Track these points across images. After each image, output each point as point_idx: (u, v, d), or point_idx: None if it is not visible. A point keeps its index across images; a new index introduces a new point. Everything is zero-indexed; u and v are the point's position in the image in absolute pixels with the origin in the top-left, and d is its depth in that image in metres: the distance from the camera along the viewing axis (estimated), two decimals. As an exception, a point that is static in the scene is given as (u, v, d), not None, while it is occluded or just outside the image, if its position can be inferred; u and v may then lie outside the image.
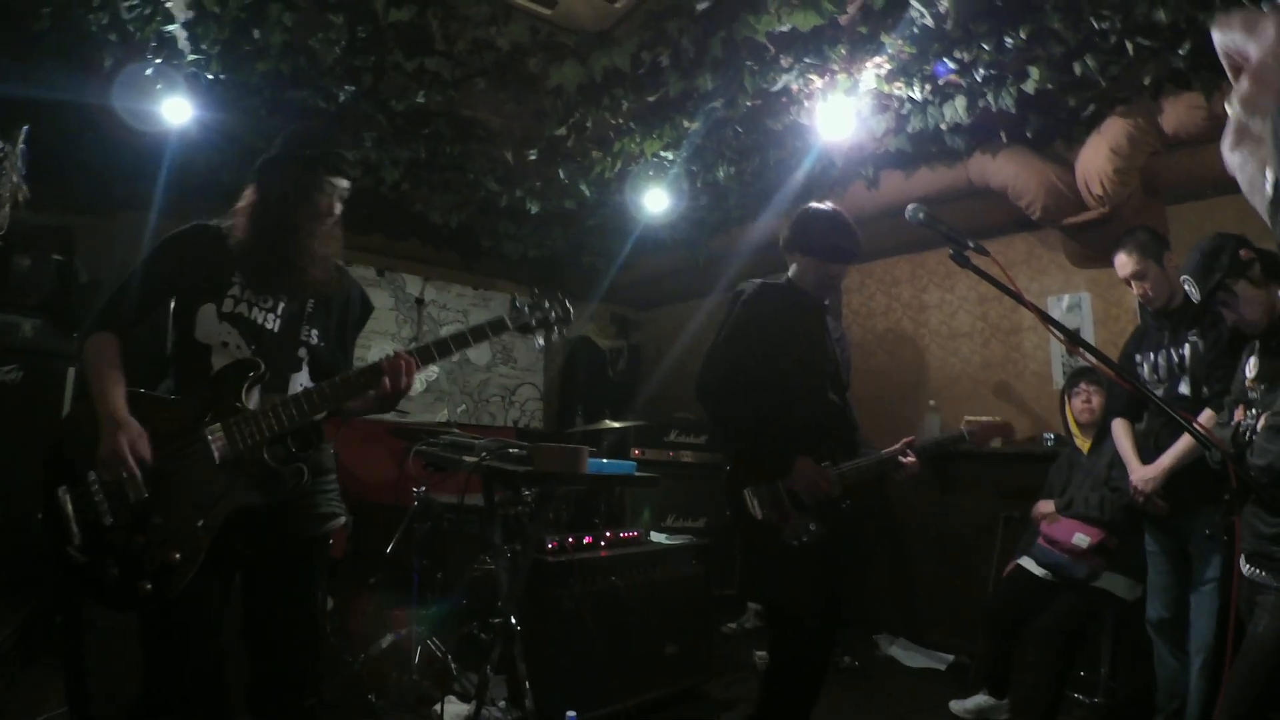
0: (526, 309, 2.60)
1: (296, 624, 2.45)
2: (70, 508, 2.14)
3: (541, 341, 2.65)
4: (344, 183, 2.57)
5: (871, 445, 3.39)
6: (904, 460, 3.27)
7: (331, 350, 2.57)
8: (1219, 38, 0.84)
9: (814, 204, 3.37)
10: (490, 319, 2.53)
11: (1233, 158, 0.80)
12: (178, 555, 2.13)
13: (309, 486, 2.42)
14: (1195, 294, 3.06)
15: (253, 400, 2.30)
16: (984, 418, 3.51)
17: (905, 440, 3.32)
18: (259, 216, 2.43)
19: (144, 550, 2.12)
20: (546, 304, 2.62)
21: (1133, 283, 3.72)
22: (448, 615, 4.65)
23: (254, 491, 2.28)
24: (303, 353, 2.48)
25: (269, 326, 2.42)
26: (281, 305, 2.47)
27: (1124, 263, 3.73)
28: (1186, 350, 3.55)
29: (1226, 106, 0.82)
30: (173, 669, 2.24)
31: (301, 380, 2.47)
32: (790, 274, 3.34)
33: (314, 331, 2.52)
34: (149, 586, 2.11)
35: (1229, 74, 0.85)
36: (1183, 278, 3.14)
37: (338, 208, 2.56)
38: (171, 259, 2.41)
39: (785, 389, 3.10)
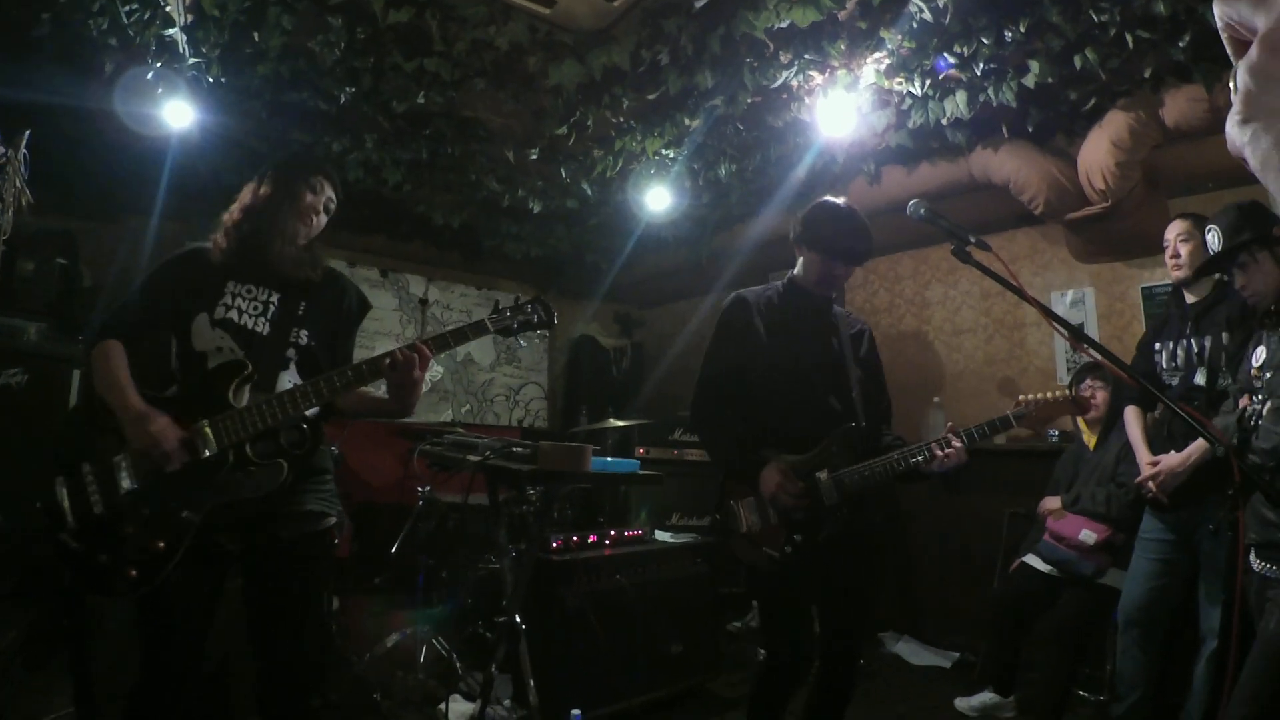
0: (509, 313, 2.67)
1: (291, 624, 2.50)
2: (65, 497, 2.28)
3: (523, 343, 2.73)
4: (329, 191, 2.72)
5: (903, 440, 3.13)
6: (939, 453, 2.85)
7: (323, 350, 2.65)
8: (1221, 9, 0.77)
9: (830, 198, 3.20)
10: (473, 321, 2.62)
11: (1241, 133, 0.73)
12: (161, 545, 2.26)
13: (293, 484, 2.47)
14: (1216, 243, 3.11)
15: (242, 399, 2.40)
16: (1041, 395, 2.99)
17: (949, 428, 2.92)
18: (246, 212, 2.60)
19: (132, 539, 2.26)
20: (529, 308, 2.69)
21: (1176, 244, 3.65)
22: (452, 614, 4.66)
23: (237, 487, 2.35)
24: (291, 353, 2.57)
25: (259, 330, 2.53)
26: (273, 309, 2.57)
27: (1178, 224, 3.69)
28: (1208, 342, 3.53)
29: (1232, 81, 0.76)
30: (163, 656, 2.35)
31: (289, 379, 2.56)
32: (795, 270, 3.24)
33: (304, 332, 2.60)
34: (134, 573, 2.24)
35: (1229, 50, 0.79)
36: (1209, 226, 3.17)
37: (320, 214, 2.72)
38: (167, 281, 2.56)
39: (765, 396, 3.01)
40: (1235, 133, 0.74)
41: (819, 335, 3.17)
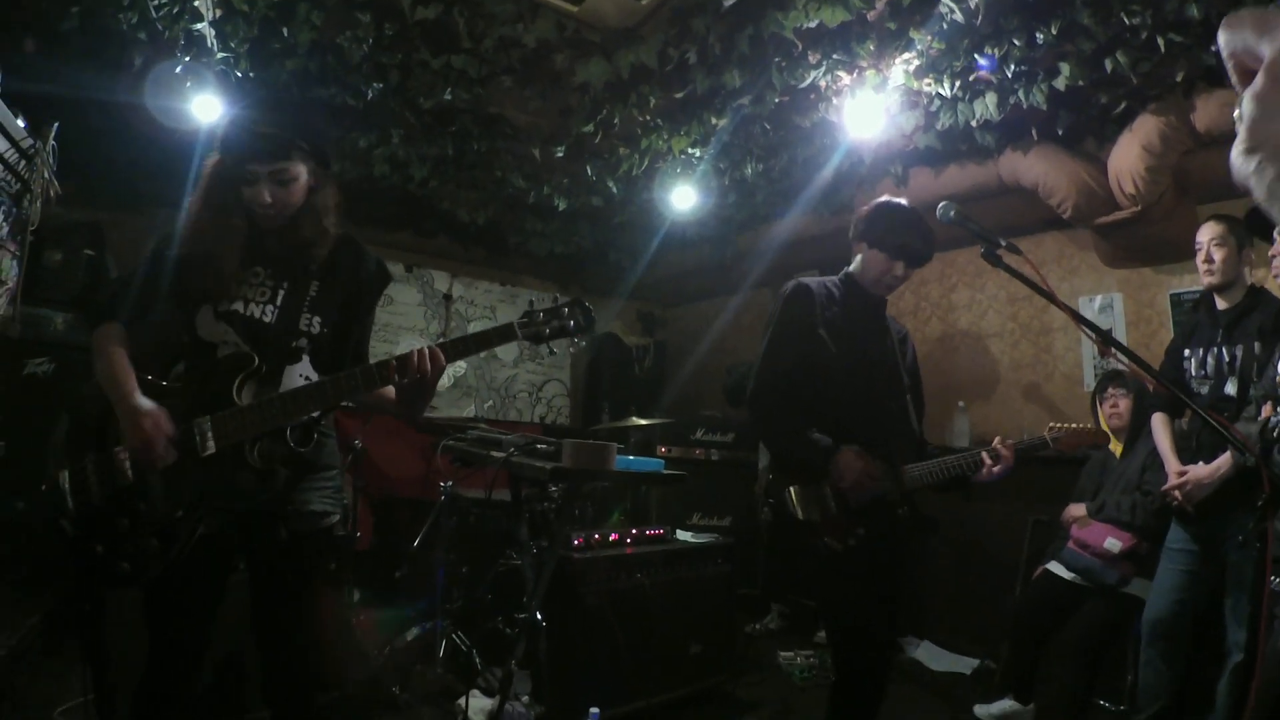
0: (541, 316, 2.41)
1: (288, 622, 2.48)
2: (68, 485, 2.22)
3: (554, 350, 2.53)
4: (276, 162, 2.33)
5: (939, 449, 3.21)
6: (1004, 454, 2.96)
7: (338, 335, 2.50)
8: (1226, 38, 0.77)
9: (893, 199, 3.21)
10: (498, 325, 2.39)
11: (1246, 163, 0.73)
12: (155, 541, 2.20)
13: (297, 482, 2.43)
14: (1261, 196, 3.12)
15: (246, 395, 2.28)
16: (1071, 424, 3.13)
17: (998, 439, 3.03)
18: (189, 235, 2.37)
19: (126, 532, 2.20)
20: (565, 311, 2.43)
21: (1210, 247, 3.59)
22: (473, 610, 4.67)
23: (235, 488, 2.27)
24: (301, 342, 2.42)
25: (265, 319, 2.38)
26: (281, 294, 2.42)
27: (1211, 227, 3.62)
28: (1239, 351, 3.48)
29: (1237, 110, 0.75)
30: (167, 648, 2.32)
31: (300, 371, 2.42)
32: (851, 266, 3.23)
33: (315, 319, 2.45)
34: (126, 566, 2.19)
35: (1235, 79, 0.77)
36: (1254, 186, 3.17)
37: (274, 196, 2.34)
38: (162, 264, 2.38)
39: (830, 392, 2.99)
40: (1240, 162, 0.73)
41: (877, 335, 3.20)
